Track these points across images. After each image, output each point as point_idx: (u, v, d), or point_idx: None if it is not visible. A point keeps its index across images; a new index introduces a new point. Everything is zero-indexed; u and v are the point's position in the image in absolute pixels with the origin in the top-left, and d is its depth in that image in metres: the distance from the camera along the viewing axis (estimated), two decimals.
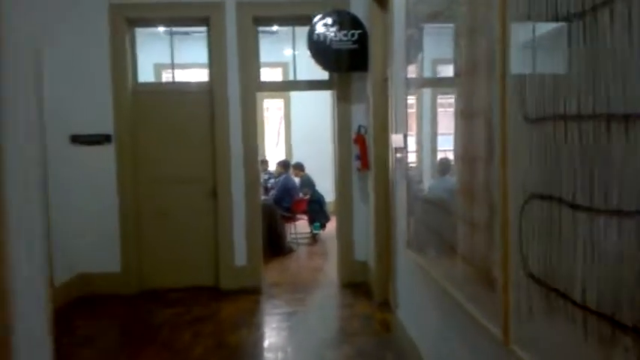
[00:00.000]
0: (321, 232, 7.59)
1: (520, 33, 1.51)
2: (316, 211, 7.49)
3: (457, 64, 2.17)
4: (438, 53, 2.63)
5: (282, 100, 9.64)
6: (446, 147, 2.42)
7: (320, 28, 4.59)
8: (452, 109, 2.26)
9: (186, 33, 6.81)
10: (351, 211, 5.00)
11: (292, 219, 7.13)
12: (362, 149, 4.74)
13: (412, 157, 3.13)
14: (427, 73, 2.83)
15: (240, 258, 4.95)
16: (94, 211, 4.86)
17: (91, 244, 4.87)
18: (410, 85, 3.12)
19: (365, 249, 4.96)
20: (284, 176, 7.34)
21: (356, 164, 4.86)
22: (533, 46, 1.44)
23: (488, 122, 1.75)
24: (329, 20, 4.60)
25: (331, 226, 6.78)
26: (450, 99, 2.34)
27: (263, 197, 6.37)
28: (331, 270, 5.54)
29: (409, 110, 3.21)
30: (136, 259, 4.93)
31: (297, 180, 7.62)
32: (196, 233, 4.99)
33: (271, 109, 10.00)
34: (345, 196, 5.01)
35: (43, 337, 1.97)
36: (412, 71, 3.06)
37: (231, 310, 4.41)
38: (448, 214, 2.29)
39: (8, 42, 1.77)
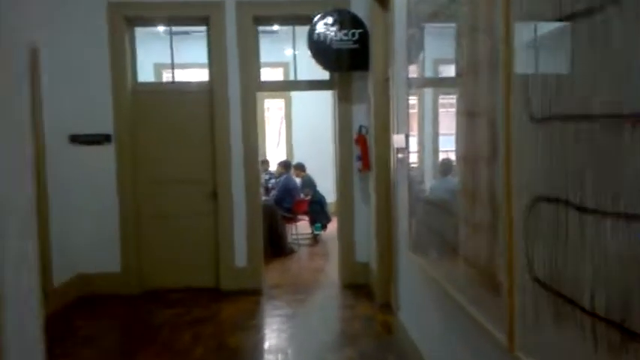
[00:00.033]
0: (322, 232, 7.57)
1: (524, 32, 1.48)
2: (317, 211, 7.47)
3: (459, 64, 2.15)
4: (440, 53, 2.60)
5: (283, 100, 9.63)
6: (448, 147, 2.40)
7: (320, 28, 4.56)
8: (454, 109, 2.24)
9: (186, 32, 6.79)
10: (353, 212, 4.97)
11: (293, 220, 7.11)
12: (363, 149, 4.72)
13: (414, 158, 3.10)
14: (429, 73, 2.81)
15: (241, 259, 4.93)
16: (94, 211, 4.84)
17: (91, 244, 4.85)
18: (411, 84, 3.09)
19: (366, 250, 4.93)
20: (285, 176, 7.32)
21: (357, 165, 4.83)
22: (536, 45, 1.41)
23: (491, 122, 1.72)
24: (329, 20, 4.58)
25: (332, 226, 6.76)
26: (452, 99, 2.31)
27: (264, 198, 6.35)
28: (332, 271, 5.51)
29: (410, 110, 3.19)
30: (136, 260, 4.90)
31: (298, 180, 7.59)
32: (196, 233, 4.97)
33: (272, 109, 9.98)
34: (347, 196, 4.98)
35: (34, 337, 1.95)
36: (413, 71, 3.04)
37: (231, 311, 4.39)
38: (450, 215, 2.27)
39: (5, 42, 1.75)
